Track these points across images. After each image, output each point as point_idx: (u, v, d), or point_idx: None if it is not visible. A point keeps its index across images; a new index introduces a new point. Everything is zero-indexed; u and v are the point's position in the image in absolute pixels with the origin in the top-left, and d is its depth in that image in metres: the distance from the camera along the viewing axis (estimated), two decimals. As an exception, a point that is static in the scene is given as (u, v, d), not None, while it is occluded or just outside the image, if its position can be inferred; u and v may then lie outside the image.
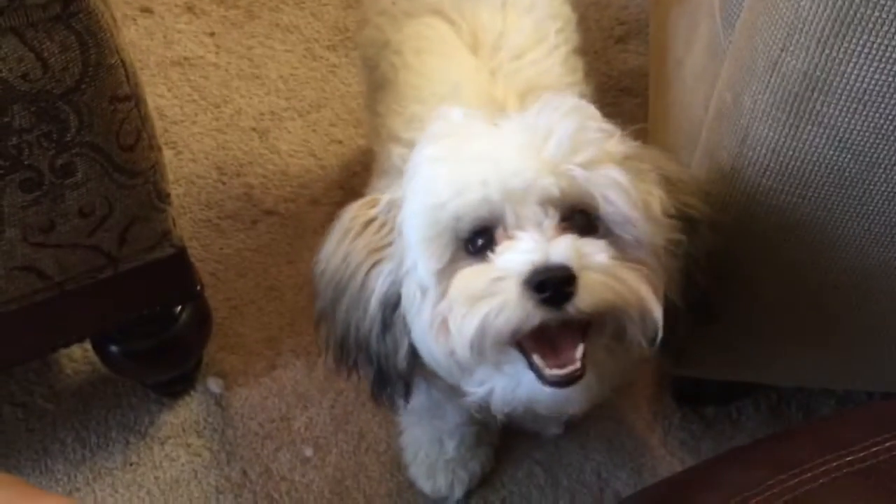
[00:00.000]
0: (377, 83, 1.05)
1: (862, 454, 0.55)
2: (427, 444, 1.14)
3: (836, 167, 0.77)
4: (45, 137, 0.83)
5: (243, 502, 1.18)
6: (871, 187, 0.78)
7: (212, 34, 1.62)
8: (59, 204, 0.89)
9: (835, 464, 0.54)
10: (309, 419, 1.24)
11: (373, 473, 1.20)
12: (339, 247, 0.81)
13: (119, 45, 0.85)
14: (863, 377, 1.08)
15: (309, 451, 1.21)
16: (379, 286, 0.78)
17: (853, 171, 0.77)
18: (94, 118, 0.85)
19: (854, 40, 0.69)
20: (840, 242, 0.84)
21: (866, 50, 0.69)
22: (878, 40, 0.68)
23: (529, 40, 0.96)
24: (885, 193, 0.78)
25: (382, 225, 0.80)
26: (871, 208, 0.80)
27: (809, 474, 0.54)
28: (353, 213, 0.82)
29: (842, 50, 0.70)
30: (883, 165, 0.76)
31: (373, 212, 0.80)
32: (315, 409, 1.24)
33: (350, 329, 0.82)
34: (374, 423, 1.23)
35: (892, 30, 0.67)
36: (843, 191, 0.79)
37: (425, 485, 1.16)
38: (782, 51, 0.73)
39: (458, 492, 1.16)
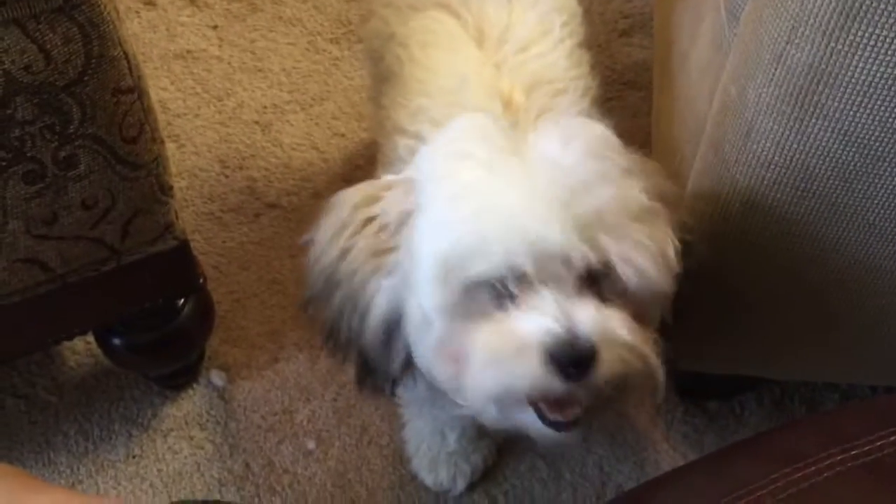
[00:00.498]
0: (382, 76, 1.05)
1: (867, 448, 0.55)
2: (429, 437, 1.14)
3: (840, 161, 0.77)
4: (48, 129, 0.83)
5: (246, 495, 1.18)
6: (876, 181, 0.78)
7: (215, 27, 1.61)
8: (62, 196, 0.89)
9: (839, 457, 0.54)
10: (311, 412, 1.24)
11: (375, 466, 1.20)
12: (336, 240, 0.79)
13: (122, 36, 0.84)
14: (867, 371, 1.07)
15: (311, 444, 1.21)
16: (380, 301, 0.77)
17: (858, 164, 0.77)
18: (97, 110, 0.85)
19: (859, 33, 0.69)
20: (844, 237, 0.83)
21: (872, 42, 0.69)
22: (884, 33, 0.68)
23: (535, 34, 0.96)
24: (890, 188, 0.78)
25: (383, 227, 0.78)
26: (875, 202, 0.79)
27: (814, 468, 0.54)
28: (352, 204, 0.79)
29: (847, 42, 0.69)
30: (888, 159, 0.75)
31: (373, 210, 0.78)
32: (318, 402, 1.24)
33: (342, 323, 0.81)
34: (377, 417, 1.23)
35: (898, 22, 0.67)
36: (848, 185, 0.79)
37: (427, 478, 1.17)
38: (787, 43, 0.73)
39: (461, 484, 1.16)
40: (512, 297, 0.72)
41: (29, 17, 0.76)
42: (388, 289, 0.77)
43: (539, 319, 0.71)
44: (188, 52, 1.58)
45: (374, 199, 0.79)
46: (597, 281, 0.73)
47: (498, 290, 0.72)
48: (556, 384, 0.70)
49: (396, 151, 0.92)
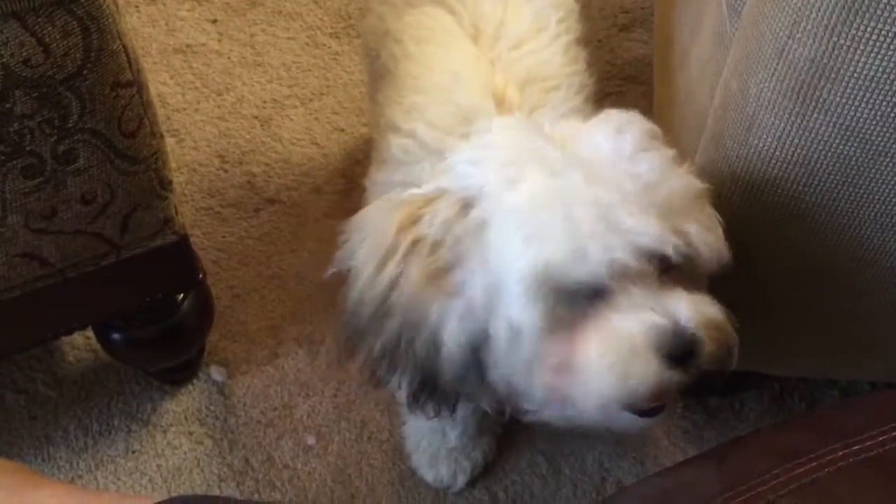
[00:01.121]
0: (378, 73, 1.04)
1: (868, 443, 0.54)
2: (429, 434, 1.14)
3: (842, 155, 0.77)
4: (47, 123, 0.83)
5: (245, 490, 1.18)
6: (878, 176, 0.77)
7: (214, 21, 1.61)
8: (61, 190, 0.89)
9: (840, 453, 0.54)
10: (311, 407, 1.23)
11: (375, 462, 1.19)
12: (382, 268, 0.74)
13: (121, 30, 0.84)
14: (868, 367, 1.07)
15: (311, 440, 1.21)
16: (453, 324, 0.73)
17: (860, 159, 0.77)
18: (96, 104, 0.85)
19: (861, 27, 0.68)
20: (846, 232, 0.83)
21: (873, 37, 0.69)
22: (886, 27, 0.68)
23: (530, 30, 0.95)
24: (892, 183, 0.78)
25: (436, 247, 0.73)
26: (877, 197, 0.79)
27: (815, 463, 0.54)
28: (394, 227, 0.74)
29: (849, 37, 0.69)
30: (890, 154, 0.75)
31: (419, 230, 0.74)
32: (317, 398, 1.24)
33: (399, 353, 0.76)
34: (377, 412, 1.22)
35: (900, 16, 0.67)
36: (850, 179, 0.78)
37: (428, 474, 1.16)
38: (789, 38, 0.72)
39: (461, 481, 1.16)
40: (604, 298, 0.72)
41: (28, 10, 0.76)
42: (459, 310, 0.73)
43: (642, 317, 0.71)
44: (187, 46, 1.58)
45: (415, 218, 0.75)
46: (669, 268, 0.74)
47: (590, 294, 0.72)
48: (671, 376, 0.72)
49: (390, 150, 0.92)
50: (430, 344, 0.74)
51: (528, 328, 0.72)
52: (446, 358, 0.74)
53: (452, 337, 0.73)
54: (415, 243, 0.74)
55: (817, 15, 0.70)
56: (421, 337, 0.74)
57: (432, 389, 0.79)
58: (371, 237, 0.76)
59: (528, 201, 0.71)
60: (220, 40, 1.59)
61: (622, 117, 0.77)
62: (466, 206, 0.74)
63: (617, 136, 0.74)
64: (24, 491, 0.69)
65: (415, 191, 0.78)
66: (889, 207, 0.80)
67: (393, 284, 0.74)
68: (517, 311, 0.71)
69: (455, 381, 0.76)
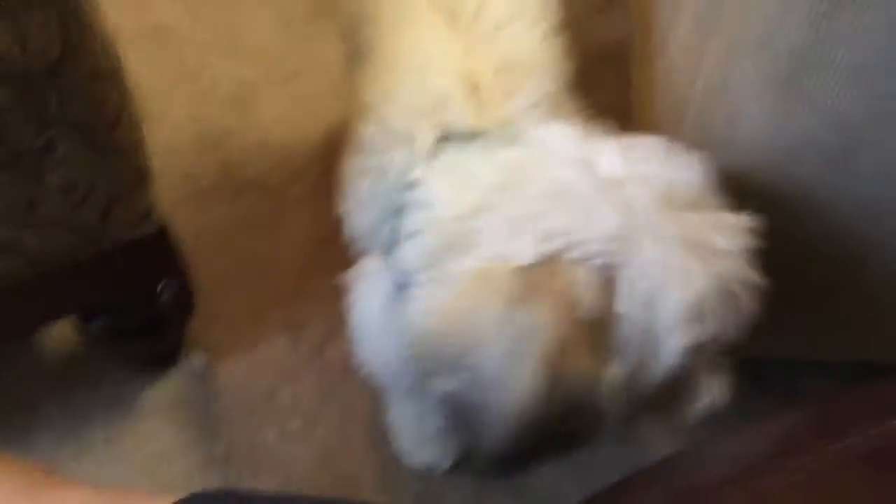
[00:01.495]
0: (355, 55, 1.03)
1: (866, 436, 0.55)
2: (413, 418, 1.14)
3: (825, 146, 0.78)
4: (25, 116, 0.82)
5: (229, 477, 1.18)
6: (860, 166, 0.78)
7: (186, 3, 1.59)
8: (40, 183, 0.88)
9: (839, 447, 0.54)
10: (294, 393, 1.24)
11: (359, 447, 1.20)
12: (550, 368, 0.69)
13: (99, 22, 0.83)
14: (856, 349, 1.09)
15: (295, 425, 1.21)
16: (620, 395, 0.71)
17: (842, 149, 0.78)
18: (75, 96, 0.84)
19: (844, 19, 0.69)
20: (828, 220, 0.84)
21: (855, 29, 0.69)
22: (868, 19, 0.68)
23: (508, 14, 0.95)
24: (873, 172, 0.79)
25: (597, 325, 0.70)
26: (861, 185, 0.80)
27: (813, 457, 0.54)
28: (544, 321, 0.69)
29: (832, 29, 0.70)
30: (872, 144, 0.76)
31: (576, 316, 0.69)
32: (300, 383, 1.24)
33: (557, 432, 0.72)
34: (360, 397, 1.23)
35: (882, 8, 0.67)
36: (833, 168, 0.79)
37: (411, 458, 1.17)
38: (773, 29, 0.73)
39: (445, 465, 1.16)
40: None
41: (5, 3, 0.75)
42: (619, 378, 0.71)
43: None
44: (161, 29, 1.56)
45: (565, 303, 0.69)
46: None
47: None
48: None
49: (363, 135, 0.91)
50: (595, 418, 0.72)
51: (679, 373, 0.72)
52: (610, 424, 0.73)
53: (616, 404, 0.72)
54: (580, 330, 0.69)
55: (801, 7, 0.70)
56: (586, 414, 0.71)
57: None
58: (509, 340, 0.70)
59: (696, 290, 0.69)
60: (193, 22, 1.57)
61: (661, 144, 0.76)
62: (610, 277, 0.69)
63: (688, 166, 0.74)
64: (43, 492, 0.68)
65: (512, 267, 0.71)
66: (870, 196, 0.81)
67: (559, 378, 0.69)
68: (673, 365, 0.71)
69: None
